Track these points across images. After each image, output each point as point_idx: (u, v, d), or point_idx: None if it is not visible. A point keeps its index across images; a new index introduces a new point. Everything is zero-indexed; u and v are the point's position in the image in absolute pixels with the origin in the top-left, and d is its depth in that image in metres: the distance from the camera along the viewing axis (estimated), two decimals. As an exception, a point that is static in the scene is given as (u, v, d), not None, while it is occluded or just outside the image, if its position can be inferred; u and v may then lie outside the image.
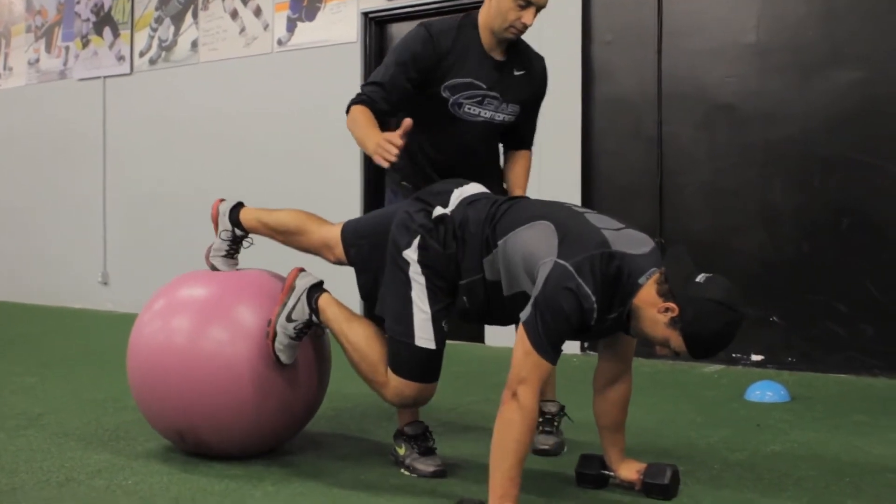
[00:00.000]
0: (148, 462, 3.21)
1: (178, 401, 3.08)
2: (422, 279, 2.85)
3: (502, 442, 2.45)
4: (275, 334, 3.05)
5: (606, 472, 2.93)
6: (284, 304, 3.07)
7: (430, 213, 2.90)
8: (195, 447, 3.20)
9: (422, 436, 3.12)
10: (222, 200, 3.40)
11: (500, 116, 3.21)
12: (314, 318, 3.06)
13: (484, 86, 3.15)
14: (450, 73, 3.12)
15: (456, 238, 2.84)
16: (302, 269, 3.16)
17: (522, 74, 3.24)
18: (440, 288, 2.86)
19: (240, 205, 3.40)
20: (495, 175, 3.37)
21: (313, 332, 3.16)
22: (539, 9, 3.12)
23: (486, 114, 3.18)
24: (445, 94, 3.13)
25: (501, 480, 2.44)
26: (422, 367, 2.88)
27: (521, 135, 3.39)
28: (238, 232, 3.37)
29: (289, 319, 3.05)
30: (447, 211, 2.89)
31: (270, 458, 3.25)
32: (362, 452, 3.38)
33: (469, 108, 3.16)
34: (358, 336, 3.00)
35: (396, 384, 2.91)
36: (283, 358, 3.06)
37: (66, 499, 2.81)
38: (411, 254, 2.87)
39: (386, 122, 3.10)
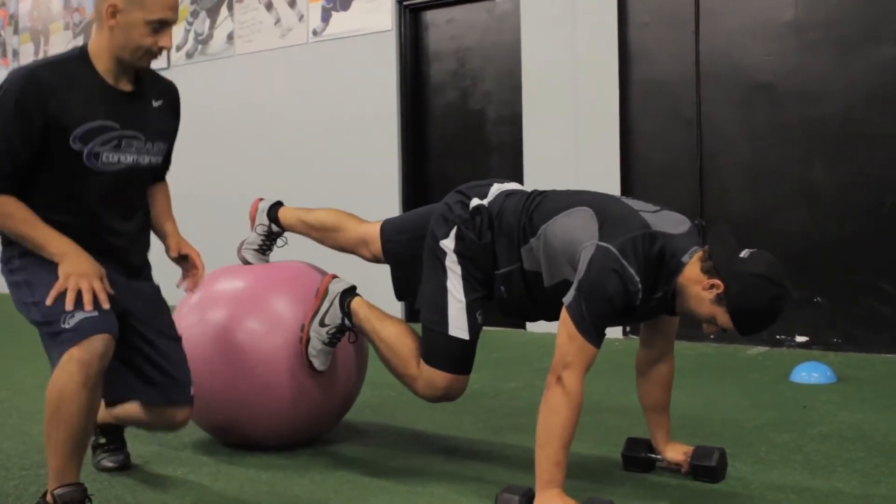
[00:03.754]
0: (195, 453, 3.25)
1: (216, 394, 3.09)
2: (458, 268, 2.85)
3: (548, 427, 2.44)
4: (308, 339, 3.06)
5: (653, 455, 2.92)
6: (318, 309, 3.07)
7: (468, 204, 2.90)
8: (235, 439, 3.23)
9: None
10: (261, 199, 3.42)
11: (146, 159, 2.67)
12: (347, 321, 3.06)
13: (117, 125, 2.58)
14: (74, 117, 2.50)
15: (492, 228, 2.84)
16: (335, 276, 3.18)
17: (161, 105, 2.74)
18: (476, 279, 2.85)
19: (279, 203, 3.41)
20: (143, 218, 2.81)
21: (348, 338, 3.15)
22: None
23: (127, 158, 2.62)
24: (76, 146, 2.51)
25: (547, 466, 2.43)
26: (454, 357, 2.87)
27: (161, 169, 2.89)
28: (274, 228, 3.37)
29: (322, 324, 3.06)
30: (484, 202, 2.89)
31: (316, 448, 3.27)
32: (407, 440, 3.40)
33: (108, 157, 2.57)
34: (389, 332, 3.00)
35: (428, 374, 2.90)
36: (317, 363, 3.06)
37: (116, 489, 2.85)
38: (448, 243, 2.87)
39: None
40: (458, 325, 2.85)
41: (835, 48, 5.07)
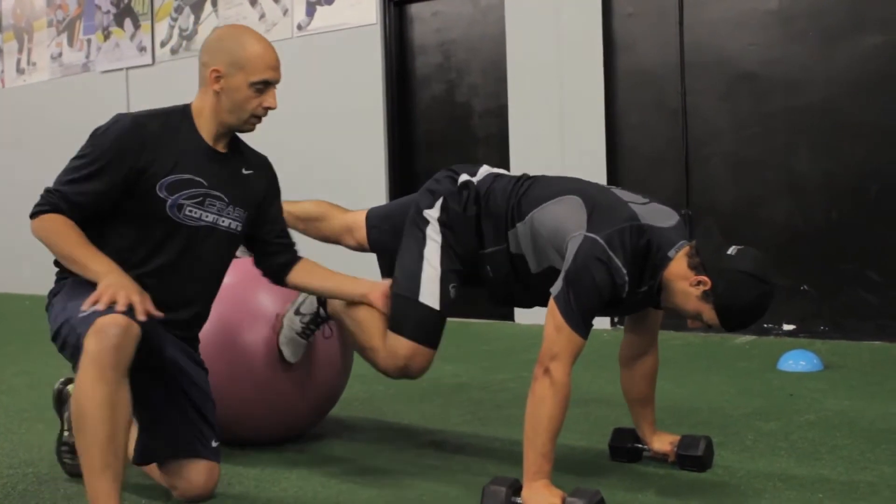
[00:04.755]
0: (183, 449, 3.23)
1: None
2: (438, 237, 2.81)
3: (535, 419, 2.44)
4: (280, 327, 3.02)
5: (640, 446, 2.93)
6: (295, 300, 3.04)
7: (457, 179, 2.89)
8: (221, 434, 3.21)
9: None
10: None
11: (225, 222, 2.66)
12: (322, 311, 3.00)
13: (205, 183, 2.61)
14: (164, 168, 2.55)
15: (478, 203, 2.81)
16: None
17: (251, 175, 2.76)
18: (456, 252, 2.81)
19: None
20: (207, 292, 2.75)
21: (323, 333, 3.08)
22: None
23: (208, 217, 2.62)
24: (162, 195, 2.54)
25: (535, 458, 2.43)
26: (421, 326, 2.78)
27: (283, 249, 2.87)
28: None
29: (297, 313, 3.01)
30: (473, 179, 2.88)
31: (303, 443, 3.27)
32: (395, 434, 3.40)
33: (191, 211, 2.59)
34: (362, 314, 2.87)
35: (391, 343, 2.78)
36: (287, 352, 3.00)
37: (104, 487, 2.83)
38: (433, 213, 2.84)
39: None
40: (429, 293, 2.77)
41: (819, 37, 5.08)
